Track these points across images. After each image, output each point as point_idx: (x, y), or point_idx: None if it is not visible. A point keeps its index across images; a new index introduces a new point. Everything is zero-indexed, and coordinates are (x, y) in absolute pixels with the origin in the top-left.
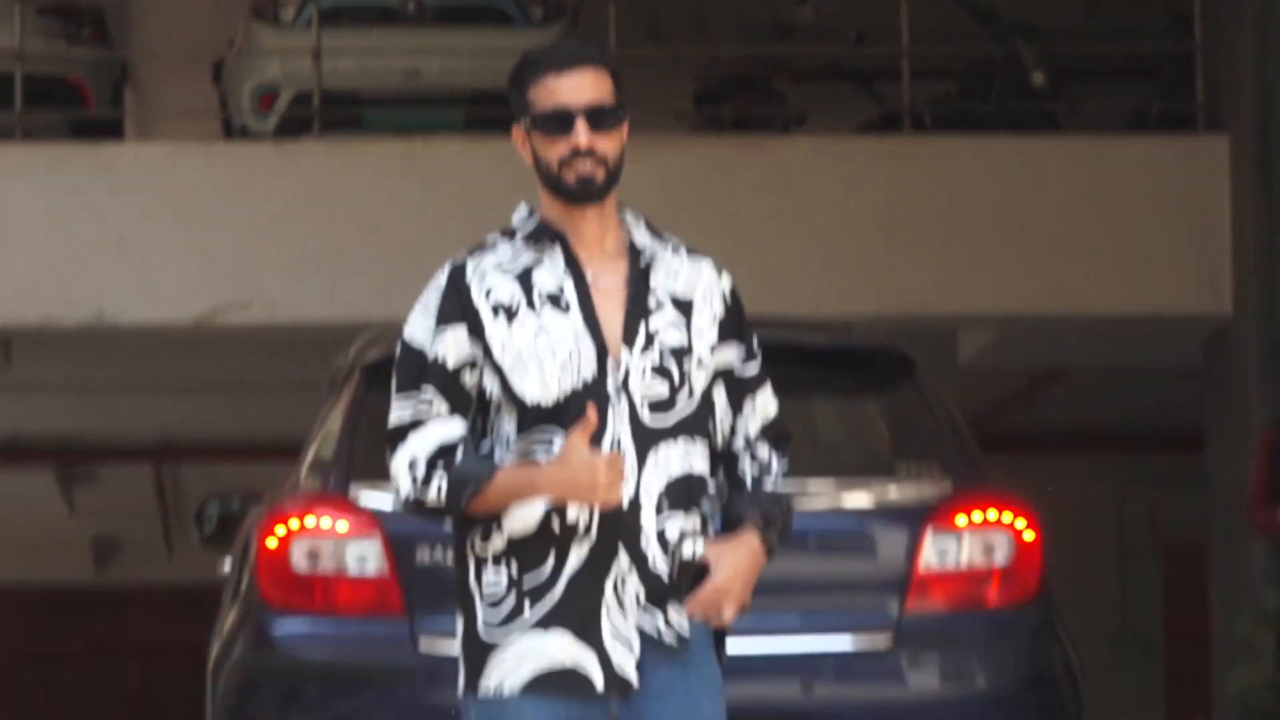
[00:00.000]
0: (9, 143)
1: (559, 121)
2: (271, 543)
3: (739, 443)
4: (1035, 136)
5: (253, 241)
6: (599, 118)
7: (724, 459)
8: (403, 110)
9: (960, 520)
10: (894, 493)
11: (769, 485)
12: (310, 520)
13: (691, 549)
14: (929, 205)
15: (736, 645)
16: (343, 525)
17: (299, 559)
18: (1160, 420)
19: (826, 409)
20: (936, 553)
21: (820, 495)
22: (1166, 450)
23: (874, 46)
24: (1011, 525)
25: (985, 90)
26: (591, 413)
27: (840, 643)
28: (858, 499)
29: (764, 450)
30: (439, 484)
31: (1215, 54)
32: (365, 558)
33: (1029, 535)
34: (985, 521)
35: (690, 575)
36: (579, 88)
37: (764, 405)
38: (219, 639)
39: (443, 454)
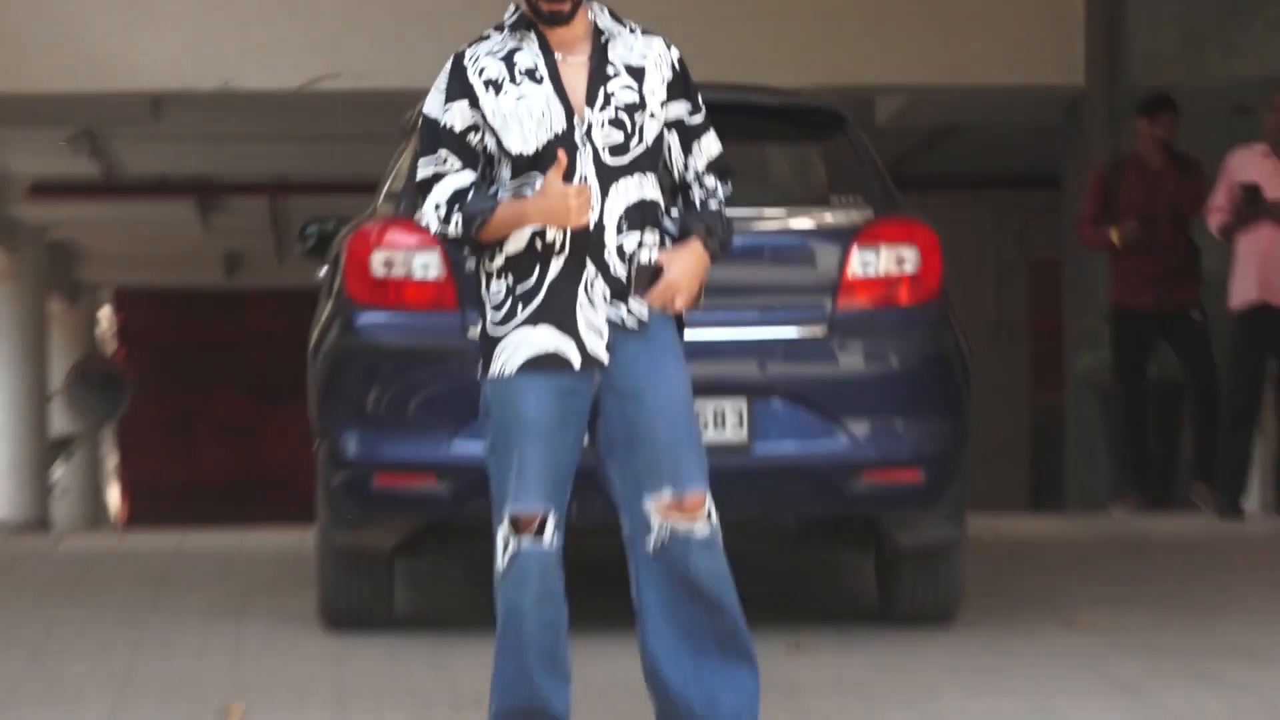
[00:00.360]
0: None
1: None
2: (357, 254)
3: (690, 176)
4: None
5: (343, 25)
6: None
7: (680, 189)
8: None
9: (879, 239)
10: (828, 218)
11: (714, 205)
12: (386, 236)
13: (649, 256)
14: None
15: (707, 334)
16: (410, 239)
17: (377, 266)
18: (1028, 166)
19: (776, 154)
20: (861, 264)
21: (771, 220)
22: (1032, 188)
23: None
24: (917, 243)
25: None
26: (561, 156)
27: (787, 333)
28: (800, 222)
29: (710, 180)
30: (456, 219)
31: None
32: (428, 266)
33: (930, 251)
34: (897, 240)
35: (648, 276)
36: None
37: (709, 146)
38: (317, 328)
39: (458, 197)
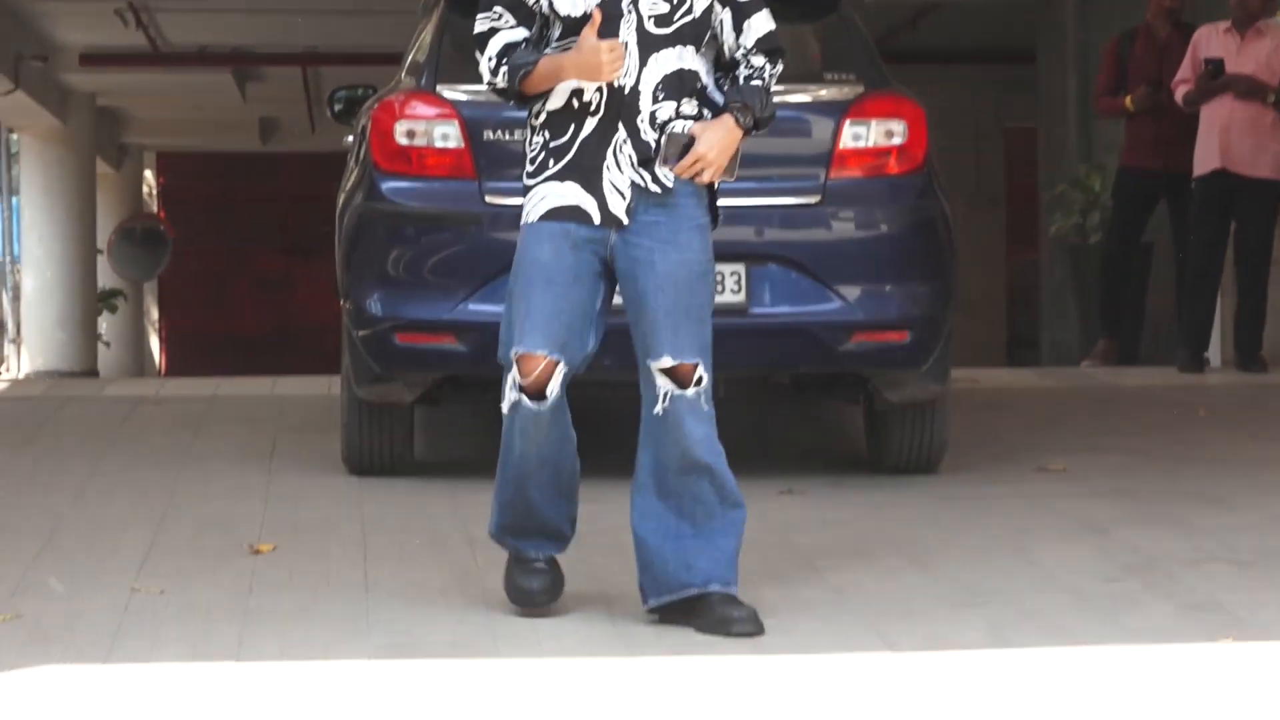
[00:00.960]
0: None
1: None
2: (381, 124)
3: (739, 53)
4: None
5: None
6: None
7: (728, 68)
8: None
9: (869, 113)
10: (822, 93)
11: (756, 82)
12: (408, 107)
13: (683, 127)
14: None
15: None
16: (430, 110)
17: (400, 135)
18: (1005, 41)
19: None
20: (852, 136)
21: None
22: (1008, 62)
23: None
24: (905, 117)
25: None
26: (596, 13)
27: (784, 200)
28: (797, 97)
29: (758, 59)
30: (503, 71)
31: None
32: (447, 135)
33: (917, 124)
34: (886, 114)
35: (679, 146)
36: None
37: (759, 24)
38: (343, 192)
39: (507, 50)
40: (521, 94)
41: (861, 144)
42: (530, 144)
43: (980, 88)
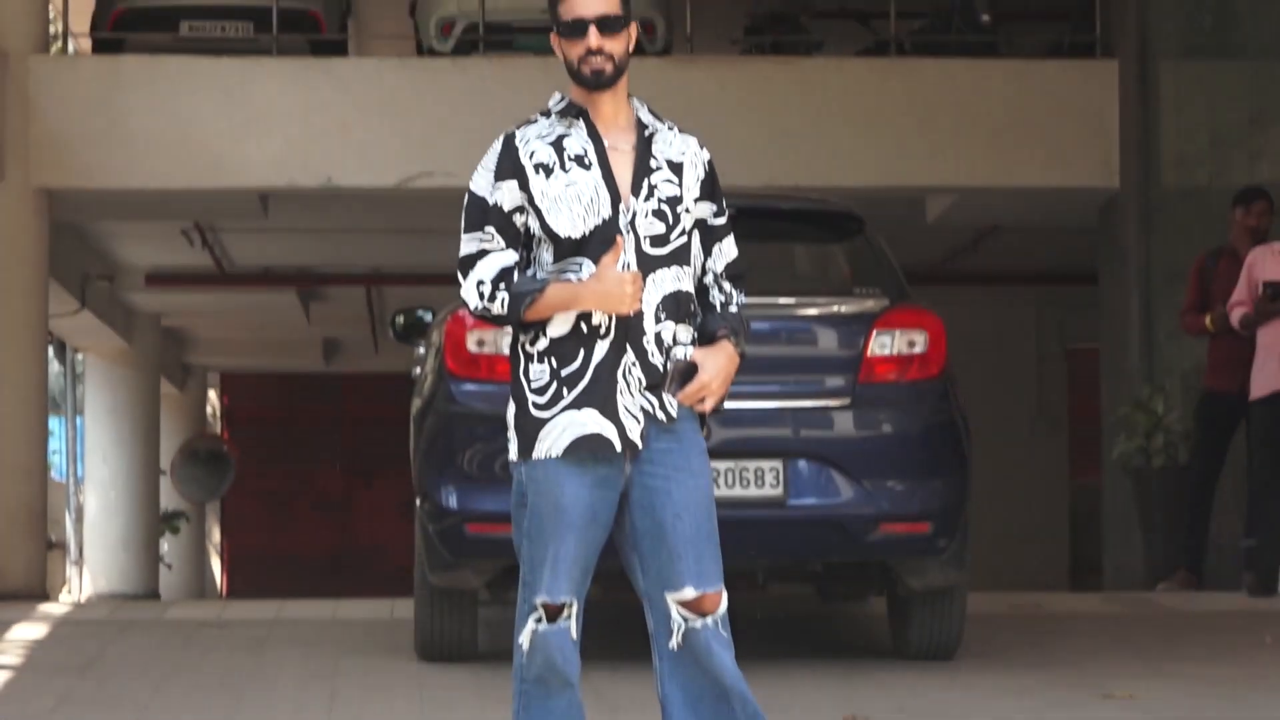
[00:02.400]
0: (267, 57)
1: (577, 28)
2: (454, 334)
3: (709, 277)
4: (983, 59)
5: (436, 129)
6: (607, 24)
7: (697, 290)
8: (541, 36)
9: (894, 324)
10: (852, 306)
11: (733, 309)
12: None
13: (684, 353)
14: (909, 108)
15: (749, 404)
16: None
17: (471, 345)
18: (1068, 262)
19: (806, 251)
20: (878, 345)
21: (802, 307)
22: (1071, 283)
23: None
24: (926, 328)
25: (947, 26)
26: (620, 241)
27: (818, 402)
28: (827, 309)
29: (727, 284)
30: (502, 297)
31: (1107, 1)
32: None
33: (937, 335)
34: (910, 325)
35: (680, 373)
36: (592, 2)
37: (728, 249)
38: (419, 398)
39: (503, 275)
40: (520, 321)
41: (887, 352)
42: (530, 373)
43: (1042, 309)
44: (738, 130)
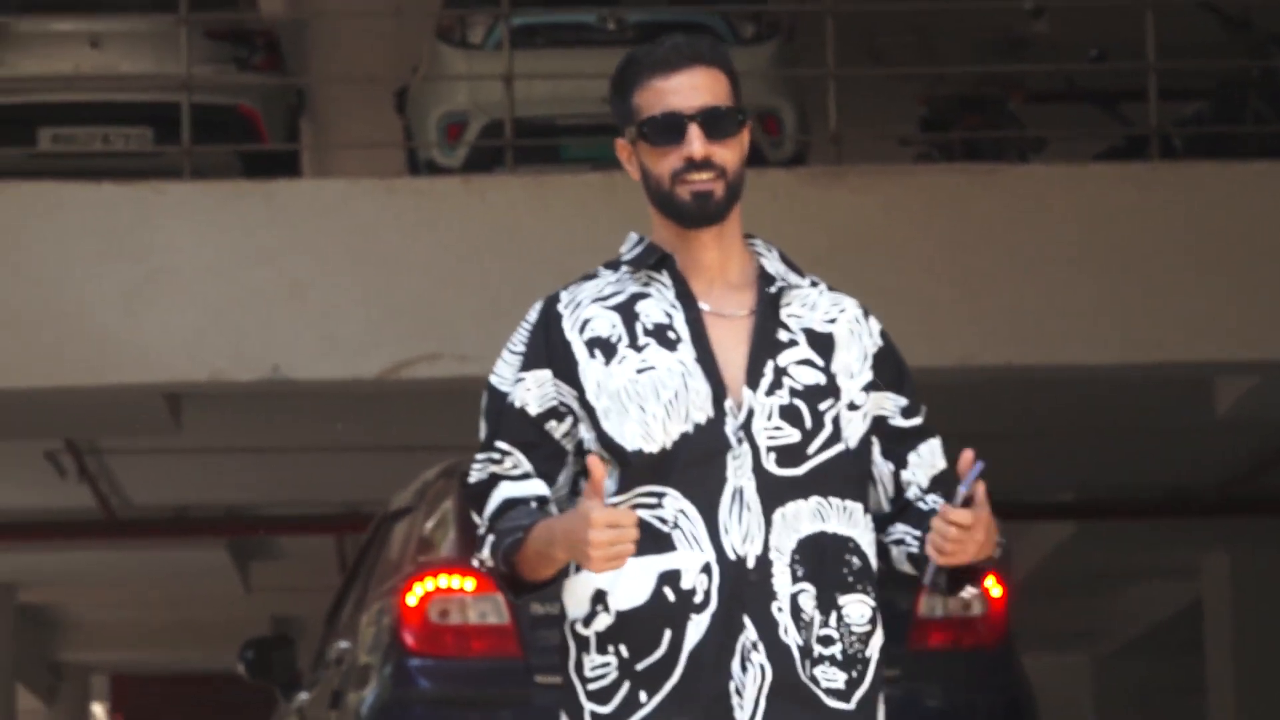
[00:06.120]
0: (175, 181)
1: (669, 128)
2: (411, 600)
3: (912, 493)
4: None
5: (441, 287)
6: (715, 122)
7: (897, 516)
8: (603, 140)
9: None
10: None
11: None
12: (443, 581)
13: (864, 626)
14: (1181, 239)
15: None
16: (470, 584)
17: (434, 614)
18: None
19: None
20: (929, 608)
21: None
22: None
23: (1117, 62)
24: (985, 588)
25: (1240, 110)
26: (596, 465)
27: None
28: None
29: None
30: (490, 541)
31: None
32: (485, 612)
33: (998, 595)
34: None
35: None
36: (691, 89)
37: (931, 457)
38: (339, 692)
39: (503, 511)
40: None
41: (939, 615)
42: (584, 668)
43: None
44: (914, 280)
